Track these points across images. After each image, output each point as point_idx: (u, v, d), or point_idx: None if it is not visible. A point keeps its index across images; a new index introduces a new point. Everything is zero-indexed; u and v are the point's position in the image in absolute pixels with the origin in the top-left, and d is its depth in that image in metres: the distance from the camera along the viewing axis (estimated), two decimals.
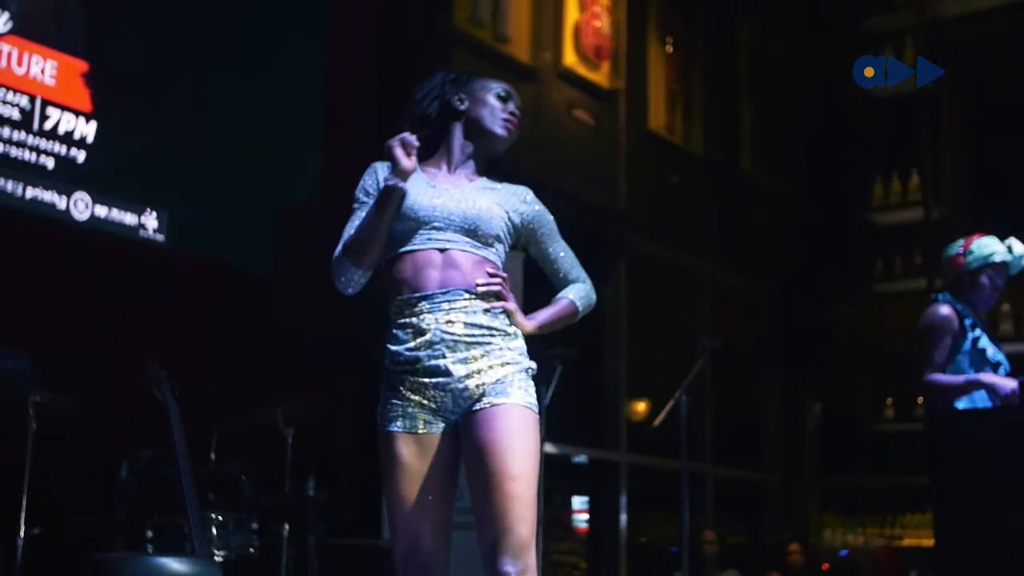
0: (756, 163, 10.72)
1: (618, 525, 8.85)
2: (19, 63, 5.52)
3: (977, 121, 10.59)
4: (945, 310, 4.83)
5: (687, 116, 9.98)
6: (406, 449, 2.88)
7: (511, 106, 3.18)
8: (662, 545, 9.77)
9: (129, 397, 4.38)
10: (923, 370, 4.79)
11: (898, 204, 10.44)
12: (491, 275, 2.97)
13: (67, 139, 5.67)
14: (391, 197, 2.95)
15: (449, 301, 2.90)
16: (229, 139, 6.23)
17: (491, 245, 3.02)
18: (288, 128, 6.50)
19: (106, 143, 5.79)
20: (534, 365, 2.97)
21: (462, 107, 3.14)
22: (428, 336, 2.88)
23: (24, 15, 5.55)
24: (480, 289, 2.93)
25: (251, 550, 4.73)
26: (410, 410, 2.90)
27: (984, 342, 4.87)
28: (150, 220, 5.98)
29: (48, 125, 5.60)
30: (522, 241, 3.17)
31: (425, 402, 2.89)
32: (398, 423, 2.90)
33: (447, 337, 2.88)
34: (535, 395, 2.93)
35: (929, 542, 8.66)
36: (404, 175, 2.96)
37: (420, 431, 2.89)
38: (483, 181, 3.13)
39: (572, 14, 8.70)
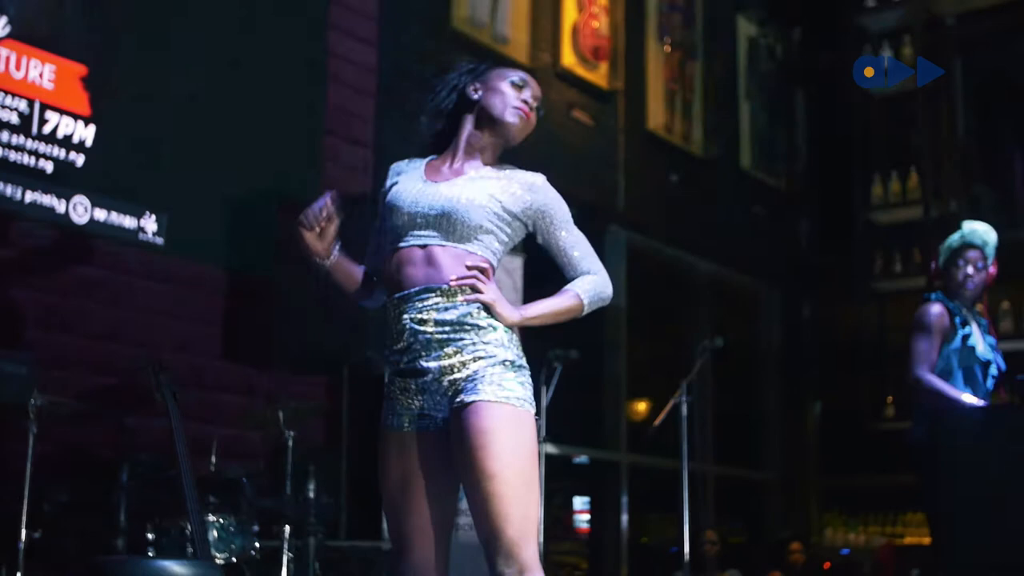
0: (755, 162, 10.72)
1: (619, 525, 8.85)
2: (17, 67, 5.51)
3: (976, 119, 10.59)
4: (936, 308, 4.88)
5: (686, 116, 9.98)
6: (393, 448, 2.89)
7: (526, 94, 3.09)
8: (663, 545, 9.77)
9: (130, 400, 4.38)
10: (914, 365, 4.81)
11: (897, 202, 10.45)
12: (469, 267, 2.86)
13: (66, 143, 5.66)
14: (319, 273, 3.00)
15: (422, 299, 2.85)
16: (228, 141, 6.23)
17: (475, 238, 2.91)
18: (287, 129, 6.50)
19: (105, 146, 5.78)
20: (513, 357, 2.83)
21: (475, 96, 3.08)
22: (405, 336, 2.86)
23: (23, 19, 5.54)
24: (454, 284, 2.84)
25: (252, 553, 4.73)
26: (398, 408, 2.90)
27: (974, 340, 4.88)
28: (149, 223, 5.97)
29: (47, 129, 5.59)
30: (533, 231, 3.05)
31: (410, 402, 2.88)
32: (388, 421, 2.91)
33: (420, 336, 2.83)
34: (518, 386, 2.78)
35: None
36: (318, 254, 2.97)
37: (406, 429, 2.88)
38: (487, 171, 3.03)
39: (570, 15, 8.70)
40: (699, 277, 10.27)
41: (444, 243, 2.88)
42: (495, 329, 2.84)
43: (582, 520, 9.49)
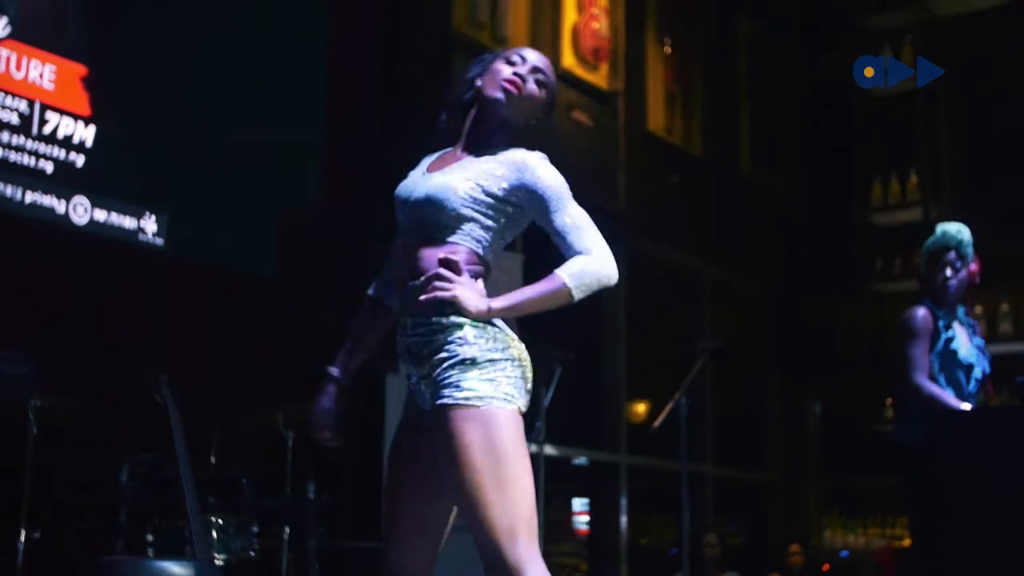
0: (755, 163, 10.72)
1: (618, 527, 8.85)
2: (18, 67, 5.51)
3: (975, 121, 10.60)
4: (920, 311, 4.91)
5: (686, 117, 9.98)
6: (395, 444, 2.87)
7: (520, 67, 2.94)
8: (662, 547, 9.77)
9: (130, 401, 4.38)
10: (907, 370, 4.83)
11: (897, 204, 10.44)
12: (440, 261, 2.72)
13: (66, 143, 5.67)
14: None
15: (404, 299, 2.80)
16: (229, 142, 6.23)
17: (457, 227, 2.77)
18: (289, 131, 6.50)
19: (105, 147, 5.79)
20: (477, 353, 2.65)
21: (479, 84, 2.97)
22: (399, 337, 2.82)
23: (23, 19, 5.54)
24: (421, 281, 2.72)
25: (252, 553, 4.73)
26: (408, 404, 2.88)
27: (957, 343, 4.90)
28: (149, 224, 5.98)
29: (47, 129, 5.60)
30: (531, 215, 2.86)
31: (414, 400, 2.84)
32: (402, 416, 2.90)
33: (404, 338, 2.78)
34: (482, 384, 2.62)
35: None
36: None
37: (408, 423, 2.86)
38: (486, 156, 2.87)
39: (570, 16, 8.70)
40: (699, 278, 10.27)
41: (429, 235, 2.77)
42: (461, 327, 2.67)
43: (581, 521, 9.49)
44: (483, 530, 2.58)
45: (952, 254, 4.98)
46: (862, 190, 10.66)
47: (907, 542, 9.72)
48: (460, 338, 2.67)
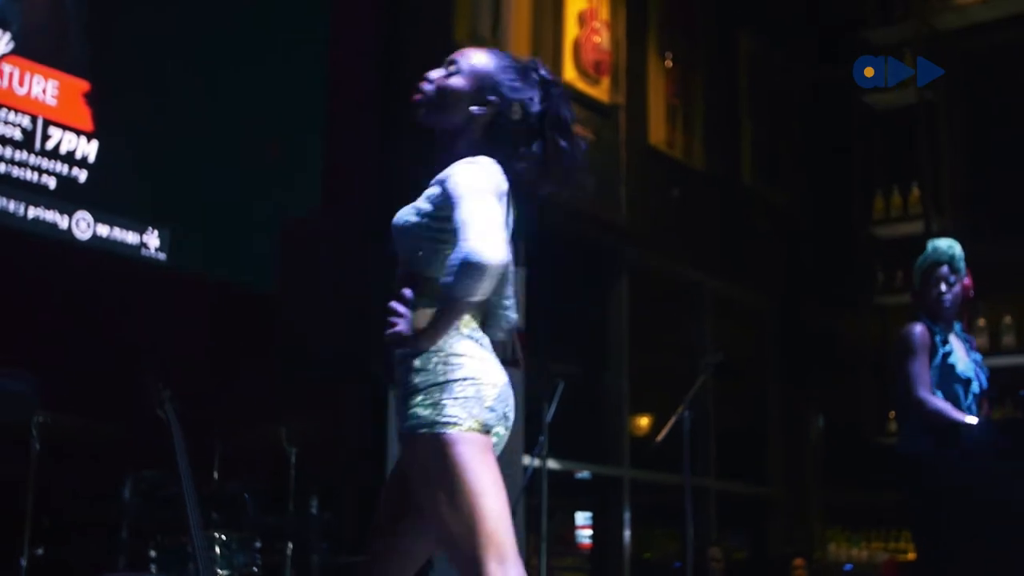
0: (757, 176, 10.73)
1: (622, 541, 8.83)
2: (20, 83, 5.53)
3: (976, 133, 10.60)
4: (917, 327, 4.93)
5: (687, 130, 9.99)
6: (398, 459, 2.87)
7: (431, 72, 2.90)
8: (666, 561, 9.75)
9: (132, 417, 4.37)
10: (911, 386, 4.82)
11: (899, 217, 10.43)
12: (398, 297, 2.69)
13: (69, 158, 5.67)
14: None
15: None
16: (230, 156, 6.24)
17: (415, 255, 2.75)
18: (289, 143, 6.51)
19: (108, 162, 5.79)
20: (419, 380, 2.62)
21: None
22: None
23: (25, 35, 5.56)
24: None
25: (255, 569, 4.72)
26: None
27: (955, 358, 4.91)
28: (152, 239, 5.98)
29: (50, 145, 5.61)
30: None
31: None
32: None
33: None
34: (424, 409, 2.60)
35: None
36: None
37: None
38: (435, 176, 2.80)
39: (572, 30, 8.72)
40: (701, 291, 10.26)
41: (405, 266, 2.77)
42: (412, 356, 2.66)
43: (584, 535, 9.48)
44: (451, 556, 2.60)
45: (945, 268, 5.00)
46: (864, 203, 10.66)
47: (911, 555, 9.70)
48: (409, 368, 2.67)
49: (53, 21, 5.84)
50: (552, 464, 6.94)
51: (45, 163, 5.58)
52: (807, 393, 10.98)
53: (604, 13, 9.02)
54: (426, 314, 2.65)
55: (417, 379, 2.63)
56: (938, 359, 4.87)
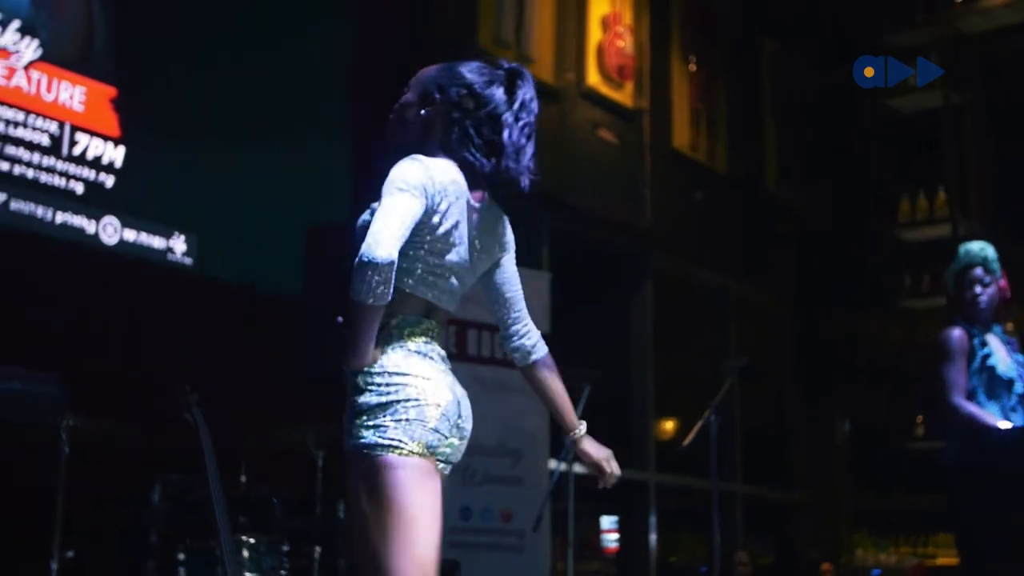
0: (781, 180, 10.70)
1: (648, 545, 8.81)
2: (48, 90, 5.56)
3: (1002, 136, 10.54)
4: (956, 331, 4.87)
5: (711, 134, 9.98)
6: None
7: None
8: (692, 565, 9.72)
9: (160, 421, 4.39)
10: (948, 393, 4.79)
11: (925, 220, 10.38)
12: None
13: (96, 164, 5.70)
14: None
15: None
16: (256, 162, 6.25)
17: None
18: (315, 150, 6.52)
19: (134, 168, 5.82)
20: (354, 401, 2.59)
21: None
22: None
23: (53, 42, 5.59)
24: None
25: (282, 573, 4.73)
26: None
27: (994, 360, 4.86)
28: (178, 244, 6.00)
29: (77, 151, 5.64)
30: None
31: None
32: None
33: None
34: (362, 430, 2.56)
35: None
36: None
37: None
38: None
39: (595, 34, 8.72)
40: (724, 295, 10.24)
41: None
42: (354, 375, 2.63)
43: (610, 539, 9.45)
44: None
45: (979, 270, 4.96)
46: (889, 206, 10.61)
47: (940, 560, 9.65)
48: (353, 386, 2.62)
49: (80, 28, 5.87)
50: (578, 468, 6.92)
51: (72, 169, 5.60)
52: (832, 397, 10.93)
53: (627, 17, 9.02)
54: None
55: (360, 399, 2.59)
56: (977, 362, 4.82)
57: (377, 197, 2.66)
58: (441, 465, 2.69)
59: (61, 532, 4.11)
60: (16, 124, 5.41)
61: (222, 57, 6.23)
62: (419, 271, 2.68)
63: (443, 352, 2.76)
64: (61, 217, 5.53)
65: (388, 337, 2.65)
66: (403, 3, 7.37)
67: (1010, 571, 4.43)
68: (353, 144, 6.85)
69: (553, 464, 7.00)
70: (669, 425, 9.69)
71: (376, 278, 2.47)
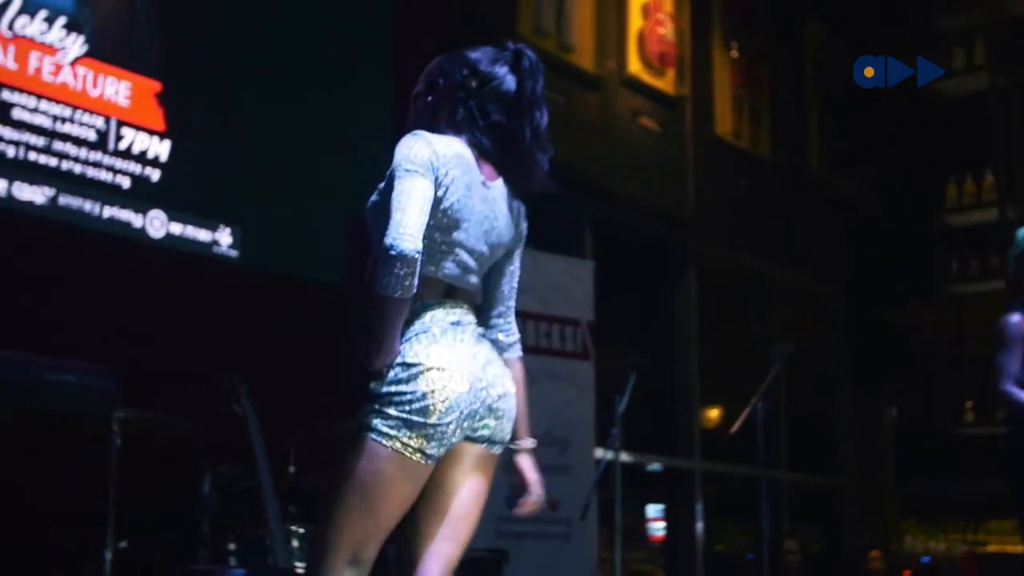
0: (825, 165, 10.62)
1: (694, 533, 8.79)
2: (94, 85, 5.60)
3: None
4: (1014, 318, 4.83)
5: (754, 120, 9.92)
6: None
7: None
8: (738, 553, 9.69)
9: (210, 412, 4.42)
10: (998, 379, 4.75)
11: (972, 204, 10.29)
12: None
13: (141, 158, 5.74)
14: None
15: None
16: (299, 153, 6.28)
17: (377, 234, 2.67)
18: (357, 140, 6.53)
19: (179, 161, 5.86)
20: (375, 386, 2.60)
21: None
22: None
23: (98, 38, 5.64)
24: None
25: None
26: None
27: None
28: (224, 236, 6.04)
29: (123, 145, 5.68)
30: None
31: None
32: None
33: None
34: (364, 419, 2.60)
35: (1016, 548, 8.51)
36: None
37: None
38: None
39: (636, 22, 8.68)
40: (768, 282, 10.18)
41: (373, 252, 2.71)
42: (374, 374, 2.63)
43: (657, 528, 9.44)
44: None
45: None
46: (936, 191, 10.51)
47: (992, 547, 9.56)
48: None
49: (124, 23, 5.91)
50: (624, 457, 6.92)
51: (119, 163, 5.65)
52: (878, 383, 10.85)
53: (668, 4, 8.98)
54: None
55: (374, 385, 2.60)
56: None
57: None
58: (482, 446, 2.71)
59: (114, 523, 4.15)
60: (63, 120, 5.45)
61: (265, 50, 6.26)
62: (427, 249, 2.61)
63: (477, 329, 2.73)
64: (108, 211, 5.57)
65: (409, 325, 2.63)
66: None
67: None
68: (394, 135, 6.85)
69: (600, 453, 7.00)
70: (714, 413, 9.65)
71: (404, 270, 2.46)
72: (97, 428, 4.25)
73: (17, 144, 5.28)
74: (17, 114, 5.29)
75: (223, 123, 6.04)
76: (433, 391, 2.58)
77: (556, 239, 7.25)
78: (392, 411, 2.56)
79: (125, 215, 5.64)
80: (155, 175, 5.79)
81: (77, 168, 5.48)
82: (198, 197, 5.94)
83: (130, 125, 5.72)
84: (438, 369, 2.60)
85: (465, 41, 2.81)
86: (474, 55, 2.84)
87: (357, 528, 2.62)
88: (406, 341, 2.61)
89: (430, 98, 2.85)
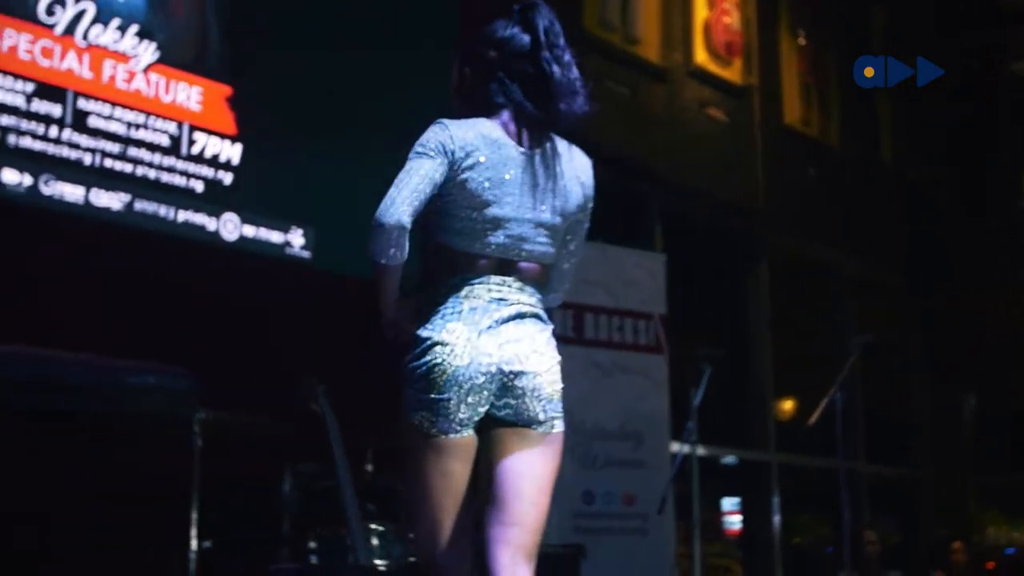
0: (897, 153, 10.47)
1: (771, 526, 8.71)
2: (166, 91, 5.67)
3: None
4: None
5: (823, 108, 9.81)
6: None
7: None
8: (817, 545, 9.59)
9: (289, 412, 4.45)
10: None
11: None
12: None
13: (214, 162, 5.80)
14: None
15: None
16: (369, 154, 6.30)
17: None
18: None
19: (251, 164, 5.91)
20: (404, 365, 2.63)
21: None
22: None
23: (170, 44, 5.70)
24: None
25: (411, 559, 4.76)
26: None
27: None
28: (296, 237, 6.08)
29: (196, 150, 5.74)
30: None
31: None
32: None
33: None
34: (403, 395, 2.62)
35: None
36: None
37: None
38: None
39: (701, 12, 8.62)
40: (842, 272, 10.07)
41: None
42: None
43: (733, 522, 9.37)
44: None
45: None
46: (1011, 177, 10.31)
47: None
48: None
49: (195, 29, 5.98)
50: (700, 450, 6.87)
51: (192, 168, 5.71)
52: (957, 372, 10.68)
53: None
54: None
55: (404, 361, 2.64)
56: None
57: None
58: (515, 427, 2.63)
59: (198, 522, 4.20)
60: (137, 126, 5.53)
61: (333, 51, 6.29)
62: (462, 228, 2.65)
63: (530, 307, 2.68)
64: (183, 216, 5.64)
65: (437, 300, 2.65)
66: None
67: None
68: None
69: (675, 447, 6.96)
70: (788, 405, 9.56)
71: (385, 239, 2.60)
72: (178, 429, 4.30)
73: (94, 151, 5.36)
74: (93, 122, 5.37)
75: (293, 125, 6.09)
76: (435, 365, 2.58)
77: (627, 233, 7.22)
78: (409, 389, 2.60)
79: (199, 219, 5.71)
80: (227, 178, 5.85)
81: (152, 173, 5.56)
82: (270, 199, 5.99)
83: (202, 130, 5.79)
84: (441, 344, 2.59)
85: None
86: (488, 29, 2.84)
87: (425, 513, 2.64)
88: (434, 316, 2.64)
89: (462, 83, 2.86)
